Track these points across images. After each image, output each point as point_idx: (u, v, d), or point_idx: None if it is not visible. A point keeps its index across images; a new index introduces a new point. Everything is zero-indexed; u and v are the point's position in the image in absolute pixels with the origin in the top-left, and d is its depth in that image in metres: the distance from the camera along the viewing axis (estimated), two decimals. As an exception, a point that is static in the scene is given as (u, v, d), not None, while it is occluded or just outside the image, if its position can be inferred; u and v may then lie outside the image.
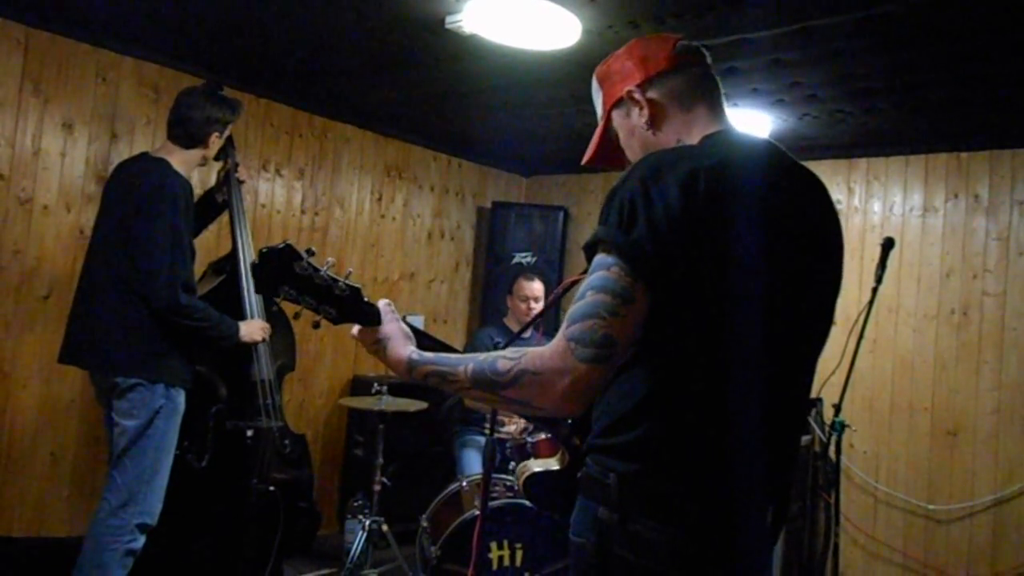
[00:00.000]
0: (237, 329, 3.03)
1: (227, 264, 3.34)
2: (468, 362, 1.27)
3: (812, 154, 4.60)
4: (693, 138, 1.33)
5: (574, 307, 1.17)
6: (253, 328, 3.14)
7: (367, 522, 3.54)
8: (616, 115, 1.44)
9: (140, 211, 2.78)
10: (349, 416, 4.72)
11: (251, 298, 3.28)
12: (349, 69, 3.79)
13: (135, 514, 2.74)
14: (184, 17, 3.30)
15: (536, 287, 4.22)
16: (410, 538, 3.56)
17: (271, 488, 3.21)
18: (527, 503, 3.18)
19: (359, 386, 4.65)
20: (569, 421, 1.57)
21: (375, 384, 3.64)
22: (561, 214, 5.46)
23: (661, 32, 2.21)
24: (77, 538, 2.98)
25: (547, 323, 5.29)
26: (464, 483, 3.41)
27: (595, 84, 1.50)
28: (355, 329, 1.52)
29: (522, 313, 4.17)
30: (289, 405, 4.28)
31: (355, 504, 4.01)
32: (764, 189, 1.25)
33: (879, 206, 4.44)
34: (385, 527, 3.56)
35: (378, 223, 4.99)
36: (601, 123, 1.49)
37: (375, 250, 4.97)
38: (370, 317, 1.49)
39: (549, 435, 3.45)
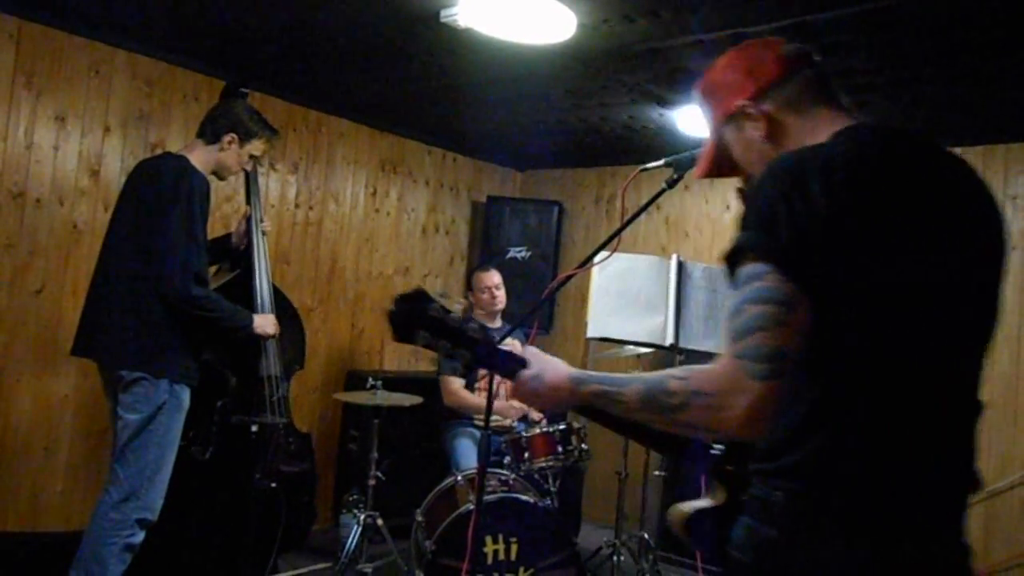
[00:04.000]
0: (251, 320, 3.07)
1: (240, 259, 3.36)
2: (635, 382, 1.21)
3: (806, 149, 4.61)
4: (820, 140, 1.24)
5: (733, 323, 1.09)
6: (266, 322, 3.18)
7: (362, 516, 3.54)
8: (729, 130, 1.38)
9: (157, 204, 2.78)
10: (344, 411, 4.72)
11: (263, 294, 3.30)
12: (344, 63, 3.78)
13: (136, 509, 2.74)
14: (178, 10, 3.29)
15: (494, 276, 4.26)
16: (405, 532, 3.56)
17: (273, 484, 3.22)
18: (523, 497, 3.20)
19: (354, 381, 4.65)
20: (719, 449, 1.48)
21: (370, 379, 3.64)
22: (556, 209, 5.46)
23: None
24: (71, 533, 2.99)
25: (543, 317, 5.31)
26: (459, 477, 3.41)
27: (698, 99, 1.46)
28: (511, 385, 1.43)
29: (487, 303, 4.21)
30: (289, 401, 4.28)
31: (350, 499, 4.01)
32: (915, 176, 1.18)
33: (872, 201, 4.45)
34: (380, 521, 3.56)
35: (373, 217, 4.98)
36: (712, 138, 1.43)
37: (369, 245, 4.97)
38: (507, 361, 1.41)
39: (546, 431, 3.48)
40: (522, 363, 1.39)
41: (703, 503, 1.47)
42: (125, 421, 2.76)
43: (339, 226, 4.78)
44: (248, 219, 3.39)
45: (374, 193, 4.98)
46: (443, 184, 5.45)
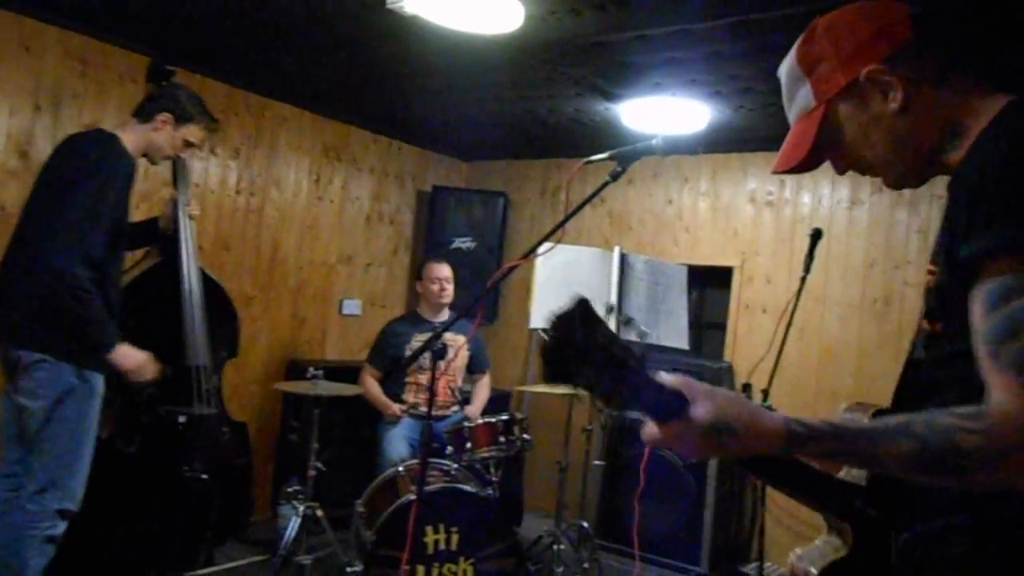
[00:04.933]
0: (113, 344, 2.70)
1: (165, 243, 3.28)
2: (898, 436, 0.95)
3: (747, 146, 4.72)
4: (977, 114, 1.08)
5: (1012, 350, 0.90)
6: (137, 360, 2.78)
7: (301, 507, 3.50)
8: (846, 105, 1.17)
9: (72, 178, 2.66)
10: (284, 401, 4.65)
11: (190, 279, 3.22)
12: (288, 47, 3.71)
13: (55, 499, 2.63)
14: (113, -13, 3.18)
15: (446, 269, 4.31)
16: (345, 524, 3.54)
17: (203, 476, 3.16)
18: (465, 487, 3.21)
19: (295, 370, 4.59)
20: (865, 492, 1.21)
21: (311, 368, 3.59)
22: (501, 200, 5.46)
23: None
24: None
25: (487, 308, 5.32)
26: (400, 468, 3.41)
27: (793, 73, 1.23)
28: (650, 430, 1.03)
29: (435, 296, 4.23)
30: (223, 390, 4.19)
31: (289, 489, 3.97)
32: None
33: (809, 198, 4.57)
34: (319, 512, 3.53)
35: (316, 205, 4.91)
36: (811, 120, 1.20)
37: (312, 232, 4.90)
38: (663, 400, 1.01)
39: (489, 422, 3.49)
40: (683, 404, 1.01)
41: (822, 556, 1.17)
42: (29, 409, 2.59)
43: (281, 213, 4.70)
44: (175, 203, 3.28)
45: (317, 180, 4.91)
46: (388, 173, 5.40)
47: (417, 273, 4.42)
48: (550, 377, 0.98)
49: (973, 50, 1.24)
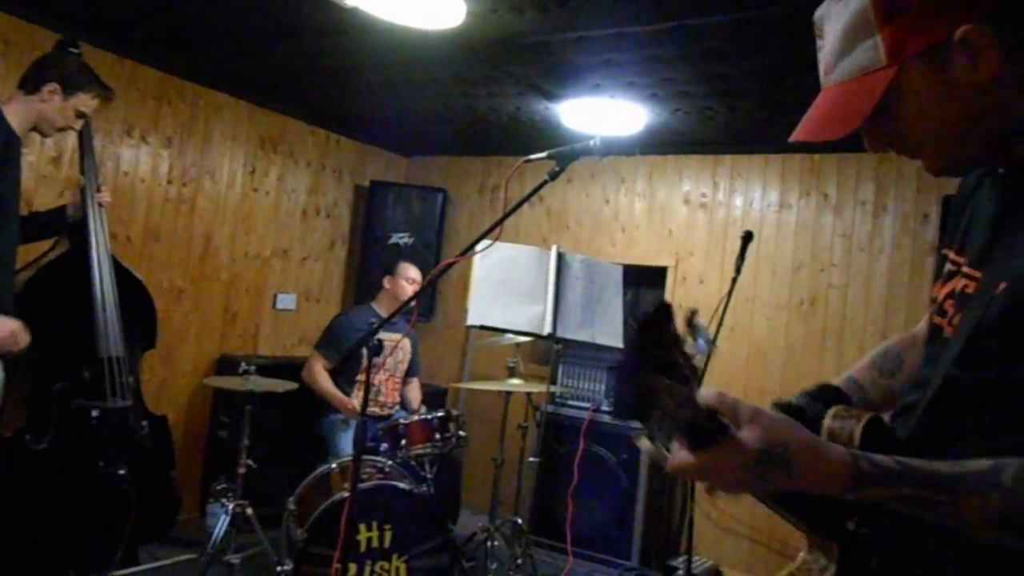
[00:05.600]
0: None
1: (73, 229, 3.13)
2: (980, 486, 0.81)
3: (682, 148, 4.82)
4: None
5: None
6: (8, 327, 2.59)
7: (230, 506, 3.43)
8: (920, 69, 0.93)
9: None
10: (214, 396, 4.55)
11: (101, 270, 3.10)
12: (224, 34, 3.63)
13: None
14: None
15: (417, 271, 4.30)
16: (276, 522, 3.48)
17: (121, 472, 3.05)
18: (399, 484, 3.20)
19: (225, 365, 4.49)
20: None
21: (243, 363, 3.52)
22: (440, 196, 5.45)
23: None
24: None
25: (424, 304, 5.30)
26: (334, 465, 3.37)
27: (861, 20, 0.95)
28: (676, 458, 0.88)
29: (402, 295, 4.17)
30: (150, 384, 4.08)
31: (218, 487, 3.88)
32: None
33: (740, 201, 4.69)
34: (249, 510, 3.46)
35: (250, 197, 4.81)
36: (874, 82, 0.95)
37: (246, 224, 4.80)
38: (706, 423, 0.84)
39: (424, 418, 3.48)
40: (726, 431, 0.84)
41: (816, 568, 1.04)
42: None
43: (214, 204, 4.59)
44: (82, 190, 3.12)
45: (253, 172, 4.81)
46: (325, 166, 5.32)
47: (386, 269, 4.34)
48: (620, 415, 0.89)
49: None
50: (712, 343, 2.94)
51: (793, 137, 1.04)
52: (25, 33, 3.59)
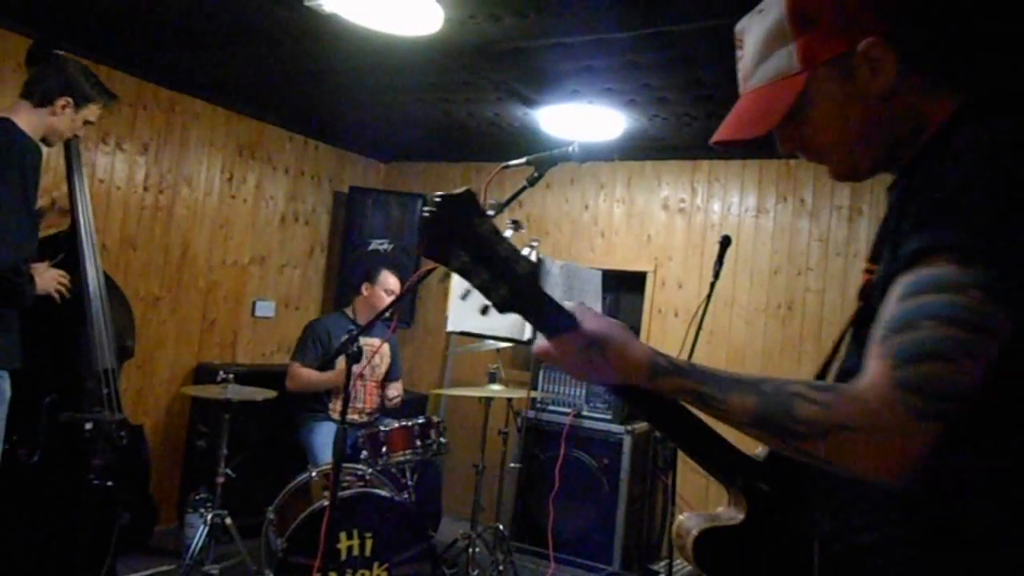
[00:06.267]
0: (34, 286, 2.74)
1: (63, 243, 3.11)
2: (748, 391, 0.97)
3: (661, 154, 4.85)
4: (936, 110, 1.02)
5: (902, 339, 0.86)
6: (46, 279, 2.83)
7: (209, 516, 3.40)
8: (828, 77, 1.03)
9: None
10: (192, 405, 4.50)
11: (95, 279, 3.07)
12: (201, 41, 3.60)
13: None
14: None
15: (397, 282, 4.26)
16: (256, 532, 3.45)
17: (108, 484, 3.02)
18: (379, 492, 3.19)
19: (203, 374, 4.45)
20: (762, 460, 1.21)
21: (221, 372, 3.49)
22: (419, 201, 5.43)
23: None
24: None
25: (403, 312, 5.28)
26: (314, 473, 3.35)
27: (778, 29, 1.06)
28: (539, 343, 1.11)
29: (379, 303, 4.15)
30: (127, 393, 4.02)
31: (196, 498, 3.84)
32: None
33: (719, 206, 4.73)
34: (228, 520, 3.43)
35: (228, 204, 4.78)
36: (788, 87, 1.05)
37: (224, 232, 4.76)
38: (551, 312, 1.08)
39: (404, 425, 3.47)
40: (572, 321, 1.07)
41: (712, 520, 1.21)
42: None
43: (191, 212, 4.55)
44: (72, 196, 3.09)
45: (230, 179, 4.78)
46: (304, 172, 5.30)
47: (366, 276, 4.30)
48: (425, 250, 1.04)
49: (948, 42, 1.09)
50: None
51: (713, 139, 1.15)
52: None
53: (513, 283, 1.06)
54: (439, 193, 1.03)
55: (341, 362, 4.01)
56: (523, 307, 1.07)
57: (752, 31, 1.10)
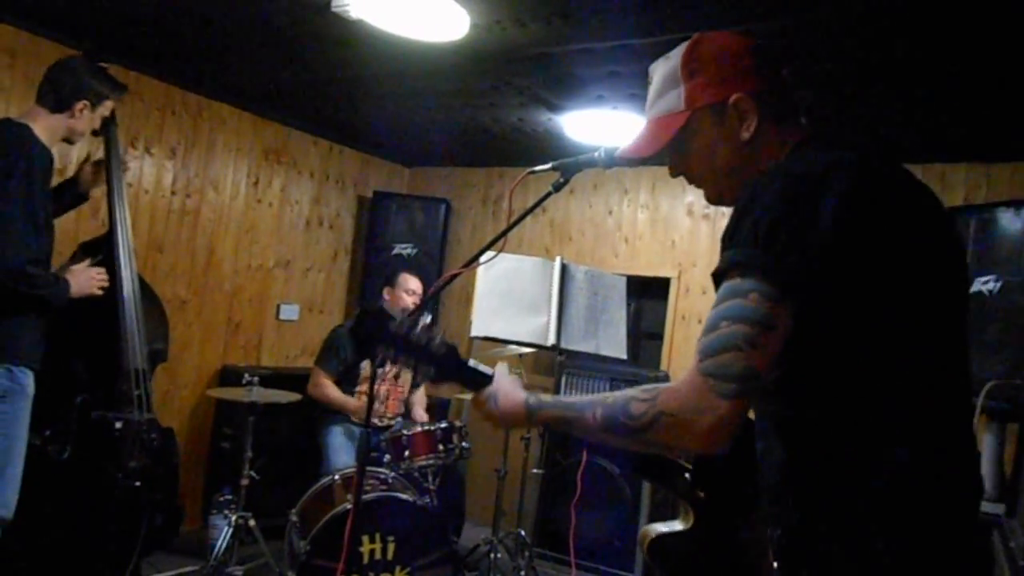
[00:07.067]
0: (68, 287, 2.79)
1: (102, 245, 3.15)
2: (595, 406, 1.20)
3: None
4: (783, 151, 1.25)
5: (707, 339, 1.08)
6: (82, 280, 2.87)
7: (233, 517, 3.42)
8: (707, 119, 1.28)
9: None
10: (217, 408, 4.54)
11: (130, 280, 3.11)
12: (228, 46, 3.64)
13: None
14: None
15: (418, 282, 4.25)
16: (279, 534, 3.47)
17: (137, 483, 3.06)
18: (402, 496, 3.19)
19: (228, 376, 4.48)
20: (687, 475, 1.47)
21: (246, 375, 3.52)
22: (443, 206, 5.45)
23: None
24: None
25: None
26: (336, 476, 3.36)
27: (672, 75, 1.32)
28: (473, 397, 1.48)
29: (405, 306, 4.15)
30: (153, 396, 4.07)
31: (221, 499, 3.87)
32: (906, 198, 1.16)
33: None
34: (252, 522, 3.45)
35: (254, 208, 4.82)
36: (673, 121, 1.31)
37: (250, 236, 4.81)
38: (472, 376, 1.47)
39: (427, 429, 3.47)
40: (487, 380, 1.44)
41: (669, 526, 1.45)
42: None
43: (218, 215, 4.60)
44: (110, 195, 3.13)
45: (256, 183, 4.82)
46: (329, 176, 5.34)
47: (386, 281, 4.31)
48: (356, 351, 1.55)
49: (790, 103, 1.33)
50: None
51: (617, 153, 1.47)
52: (31, 45, 3.61)
53: (437, 361, 1.44)
54: (356, 311, 1.23)
55: (363, 387, 4.09)
56: (449, 376, 1.46)
57: (658, 71, 1.36)
